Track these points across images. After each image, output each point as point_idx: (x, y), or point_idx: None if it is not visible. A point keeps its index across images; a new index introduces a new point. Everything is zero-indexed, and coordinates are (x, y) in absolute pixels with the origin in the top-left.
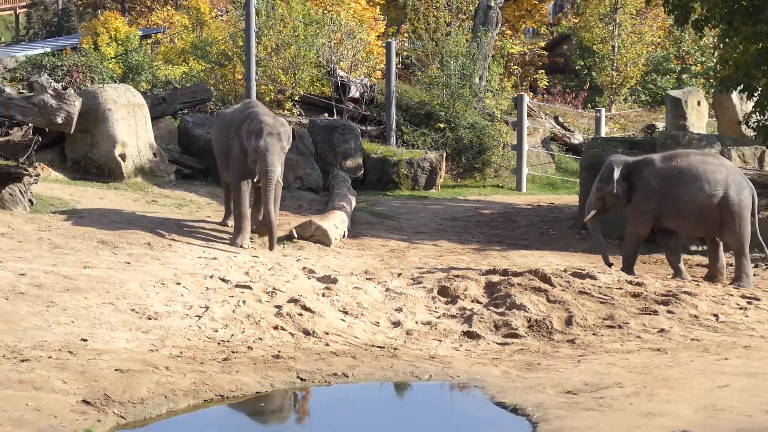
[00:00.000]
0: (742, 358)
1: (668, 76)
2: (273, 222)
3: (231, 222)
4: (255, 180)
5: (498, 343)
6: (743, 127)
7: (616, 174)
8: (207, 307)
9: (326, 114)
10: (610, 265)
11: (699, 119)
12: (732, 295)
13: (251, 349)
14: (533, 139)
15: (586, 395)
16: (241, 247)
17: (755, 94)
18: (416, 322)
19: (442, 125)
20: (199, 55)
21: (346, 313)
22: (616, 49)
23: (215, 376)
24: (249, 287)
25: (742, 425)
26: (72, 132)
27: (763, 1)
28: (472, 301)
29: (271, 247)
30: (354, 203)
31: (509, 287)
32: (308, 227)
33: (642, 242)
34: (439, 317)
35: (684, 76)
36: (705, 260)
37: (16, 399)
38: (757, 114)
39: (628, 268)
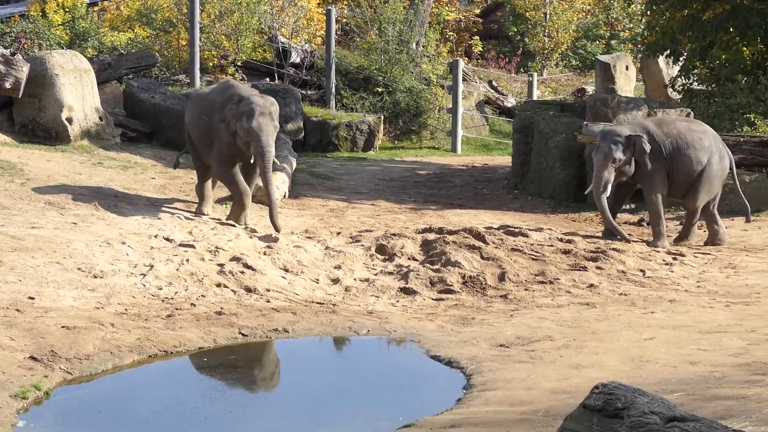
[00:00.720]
0: (667, 311)
1: (598, 42)
2: (274, 201)
3: (207, 209)
4: (246, 162)
5: (433, 299)
6: (669, 90)
7: (645, 143)
8: (151, 266)
9: (268, 79)
10: (628, 240)
11: (627, 83)
12: (658, 251)
13: (194, 306)
14: (468, 102)
15: (518, 348)
16: (245, 224)
17: (681, 59)
18: (355, 279)
19: (380, 89)
20: (144, 22)
21: (286, 270)
22: (547, 16)
23: (159, 332)
24: (192, 246)
25: (667, 376)
26: (20, 96)
27: None
28: (409, 259)
29: (276, 227)
30: (295, 165)
31: (444, 245)
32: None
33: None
34: (376, 274)
35: (613, 41)
36: (632, 218)
37: None
38: (683, 78)
39: (659, 235)
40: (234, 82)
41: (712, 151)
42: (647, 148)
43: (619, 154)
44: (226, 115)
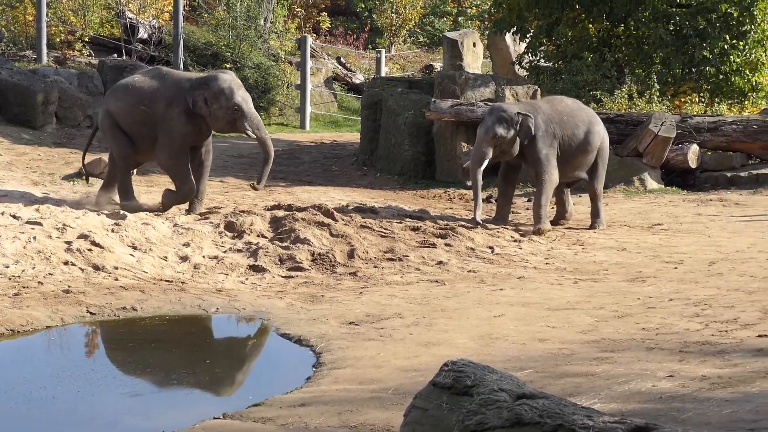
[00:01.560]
0: (516, 288)
1: (445, 19)
2: (269, 166)
3: (136, 200)
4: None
5: (283, 277)
6: (516, 67)
7: (532, 123)
8: None
9: (116, 55)
10: (477, 224)
11: (474, 60)
12: (507, 229)
13: (42, 284)
14: (316, 78)
15: (367, 326)
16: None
17: (527, 36)
18: (203, 257)
19: (228, 65)
20: None
21: (134, 248)
22: None
23: (6, 311)
24: (39, 223)
25: (516, 353)
26: None
27: None
28: (258, 236)
29: (258, 186)
30: None
31: (293, 222)
32: (98, 164)
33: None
34: (225, 251)
35: (460, 18)
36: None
37: None
38: (529, 55)
39: (540, 219)
40: (165, 68)
41: (603, 128)
42: (533, 127)
43: (501, 131)
44: (196, 99)
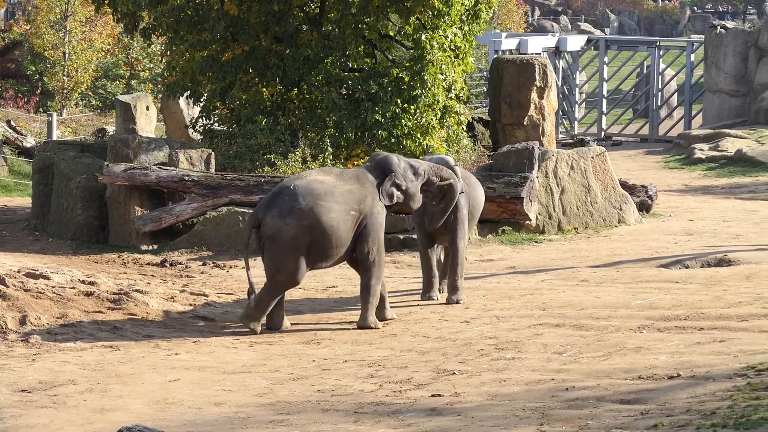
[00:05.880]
0: (192, 352)
1: (118, 82)
2: None
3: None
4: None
5: None
6: (190, 131)
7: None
8: None
9: None
10: None
11: (148, 123)
12: (182, 291)
13: None
14: None
15: (40, 393)
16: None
17: (201, 100)
18: None
19: None
20: None
21: None
22: (66, 56)
23: None
24: None
25: (192, 417)
26: None
27: (207, 11)
28: None
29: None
30: None
31: None
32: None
33: None
34: None
35: (133, 81)
36: (155, 258)
37: None
38: (204, 118)
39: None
40: (327, 168)
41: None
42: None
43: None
44: (389, 190)
